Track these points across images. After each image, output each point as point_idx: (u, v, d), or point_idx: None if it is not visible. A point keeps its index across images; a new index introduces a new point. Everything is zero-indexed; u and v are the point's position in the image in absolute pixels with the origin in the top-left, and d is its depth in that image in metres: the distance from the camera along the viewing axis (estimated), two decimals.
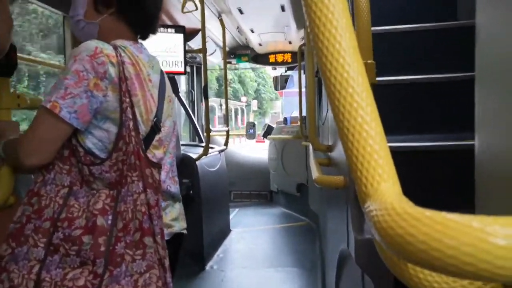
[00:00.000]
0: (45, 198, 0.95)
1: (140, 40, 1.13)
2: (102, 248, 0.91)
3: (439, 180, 1.13)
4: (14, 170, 1.16)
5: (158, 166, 1.02)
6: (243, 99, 26.53)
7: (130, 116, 0.96)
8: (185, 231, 1.18)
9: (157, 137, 1.06)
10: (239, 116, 25.65)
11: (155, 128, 1.05)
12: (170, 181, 1.12)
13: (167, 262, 0.99)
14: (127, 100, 0.96)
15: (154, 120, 1.04)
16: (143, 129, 1.01)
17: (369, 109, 0.36)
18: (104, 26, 1.05)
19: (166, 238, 1.04)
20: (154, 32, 1.15)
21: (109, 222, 0.93)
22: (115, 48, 0.98)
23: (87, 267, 0.91)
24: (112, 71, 0.94)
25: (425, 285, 0.34)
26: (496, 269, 0.23)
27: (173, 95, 1.19)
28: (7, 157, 1.05)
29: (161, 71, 1.14)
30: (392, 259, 0.36)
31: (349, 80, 0.36)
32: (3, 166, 1.16)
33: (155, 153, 1.06)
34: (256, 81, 28.80)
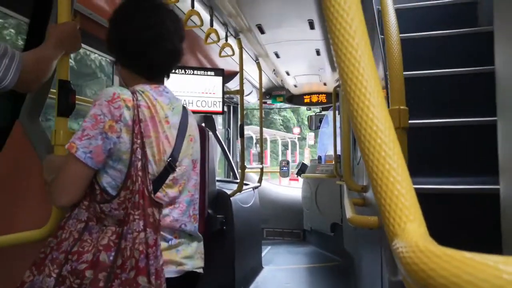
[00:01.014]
0: (66, 231, 1.02)
1: (165, 83, 1.21)
2: (101, 284, 0.94)
3: (464, 224, 1.12)
4: None
5: (160, 206, 1.04)
6: (296, 130, 21.85)
7: (139, 157, 1.01)
8: (200, 270, 1.19)
9: (171, 177, 1.09)
10: (289, 151, 20.44)
11: (169, 167, 1.08)
12: (187, 219, 1.14)
13: None
14: (138, 141, 1.02)
15: (169, 160, 1.08)
16: (155, 169, 1.06)
17: (395, 157, 0.40)
18: (123, 74, 1.20)
19: (175, 275, 1.07)
20: (161, 75, 1.19)
21: (111, 258, 0.96)
22: (133, 92, 1.07)
23: None
24: (127, 114, 1.02)
25: None
26: None
27: (197, 134, 1.23)
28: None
29: (184, 112, 1.19)
30: None
31: (378, 132, 0.40)
32: None
33: (167, 192, 1.09)
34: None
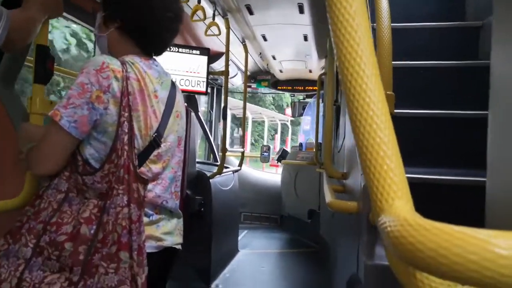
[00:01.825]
0: (45, 201, 0.99)
1: (155, 57, 1.18)
2: (81, 257, 0.93)
3: (448, 215, 1.14)
4: None
5: (145, 182, 1.03)
6: (288, 111, 15.94)
7: (126, 130, 0.99)
8: (179, 247, 1.18)
9: (155, 152, 1.07)
10: (277, 136, 17.11)
11: (154, 143, 1.07)
12: (169, 196, 1.13)
13: (141, 280, 0.96)
14: (126, 114, 0.99)
15: (154, 135, 1.06)
16: (140, 143, 1.04)
17: (387, 131, 0.39)
18: (112, 40, 1.12)
19: (155, 250, 1.06)
20: (159, 52, 1.17)
21: (92, 231, 0.95)
22: (123, 63, 1.03)
23: (65, 273, 0.93)
24: (116, 85, 0.98)
25: None
26: (499, 277, 0.26)
27: (184, 111, 1.22)
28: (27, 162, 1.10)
29: (173, 87, 1.17)
30: (403, 272, 0.39)
31: (370, 104, 0.39)
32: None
33: (151, 168, 1.07)
34: None
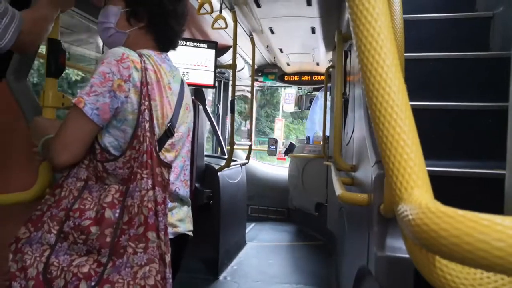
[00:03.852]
0: (65, 189, 1.03)
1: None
2: (108, 239, 0.97)
3: (464, 208, 1.13)
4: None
5: (168, 166, 1.07)
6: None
7: (147, 118, 1.02)
8: (191, 233, 1.22)
9: (169, 141, 1.12)
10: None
11: (168, 132, 1.11)
12: (180, 184, 1.17)
13: (168, 258, 1.01)
14: (146, 103, 1.03)
15: (168, 125, 1.10)
16: (157, 132, 1.07)
17: (407, 121, 0.39)
18: (132, 37, 1.14)
19: (170, 237, 1.08)
20: (175, 47, 1.23)
21: (116, 215, 0.99)
22: (140, 55, 1.06)
23: (92, 255, 0.97)
24: (136, 75, 1.02)
25: (451, 286, 0.36)
26: None
27: (191, 104, 1.27)
28: (44, 154, 1.11)
29: (182, 81, 1.21)
30: (422, 260, 0.39)
31: (390, 94, 0.39)
32: (44, 161, 1.23)
33: (166, 156, 1.11)
34: None
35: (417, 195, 0.37)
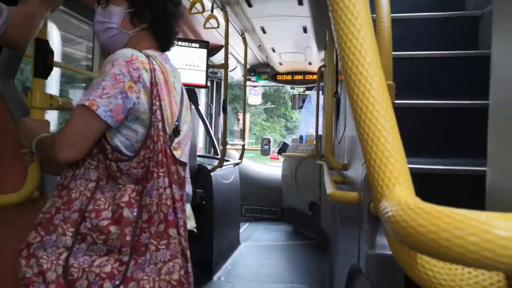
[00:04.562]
0: (75, 191, 1.02)
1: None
2: (128, 238, 0.98)
3: (447, 205, 1.14)
4: (41, 167, 1.23)
5: (183, 163, 1.09)
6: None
7: (159, 118, 1.04)
8: (195, 230, 1.25)
9: (176, 140, 1.14)
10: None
11: (176, 131, 1.13)
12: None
13: (188, 253, 1.04)
14: (157, 103, 1.04)
15: (176, 124, 1.13)
16: (168, 131, 1.09)
17: (388, 118, 0.39)
18: (134, 37, 1.15)
19: None
20: (171, 47, 1.25)
21: (135, 214, 1.00)
22: (148, 56, 1.07)
23: (113, 255, 0.98)
24: (146, 76, 1.03)
25: (433, 282, 0.37)
26: (499, 258, 0.26)
27: (189, 105, 1.30)
28: (39, 153, 1.11)
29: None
30: (404, 257, 0.39)
31: (371, 91, 0.39)
32: (33, 162, 1.22)
33: (174, 154, 1.12)
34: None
35: (398, 192, 0.37)
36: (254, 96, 6.11)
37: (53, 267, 0.96)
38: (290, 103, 5.53)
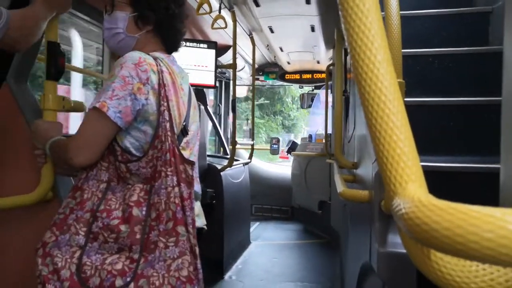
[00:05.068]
0: (87, 192, 1.05)
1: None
2: (138, 236, 1.01)
3: (465, 202, 1.13)
4: (55, 168, 1.24)
5: (191, 163, 1.11)
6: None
7: (167, 118, 1.06)
8: (205, 227, 1.27)
9: (184, 140, 1.16)
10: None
11: (184, 131, 1.15)
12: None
13: (197, 250, 1.06)
14: (165, 104, 1.06)
15: (184, 124, 1.15)
16: (176, 131, 1.11)
17: (399, 116, 0.39)
18: (141, 40, 1.17)
19: None
20: (178, 48, 1.26)
21: (144, 212, 1.03)
22: (155, 58, 1.10)
23: (124, 253, 1.01)
24: (154, 78, 1.05)
25: (447, 278, 0.36)
26: None
27: (197, 105, 1.32)
28: (52, 156, 1.14)
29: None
30: (417, 254, 0.39)
31: (382, 89, 0.39)
32: (46, 164, 1.24)
33: (183, 154, 1.14)
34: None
35: (410, 190, 0.37)
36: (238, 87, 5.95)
37: (67, 265, 0.99)
38: (286, 99, 5.53)
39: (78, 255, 1.00)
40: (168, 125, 1.06)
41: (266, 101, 15.41)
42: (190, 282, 1.02)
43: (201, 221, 1.23)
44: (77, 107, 1.37)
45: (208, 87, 3.35)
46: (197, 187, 1.23)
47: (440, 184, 1.12)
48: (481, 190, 1.06)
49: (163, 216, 1.02)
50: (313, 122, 5.47)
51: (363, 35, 0.40)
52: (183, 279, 1.01)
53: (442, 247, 0.29)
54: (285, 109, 16.03)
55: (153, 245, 1.01)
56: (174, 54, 1.26)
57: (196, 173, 1.25)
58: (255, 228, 4.65)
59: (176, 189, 1.04)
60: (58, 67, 1.29)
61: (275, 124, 15.94)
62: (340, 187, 1.40)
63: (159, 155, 1.04)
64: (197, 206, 1.22)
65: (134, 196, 1.04)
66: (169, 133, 1.06)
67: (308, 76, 5.06)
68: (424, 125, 1.41)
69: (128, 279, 0.98)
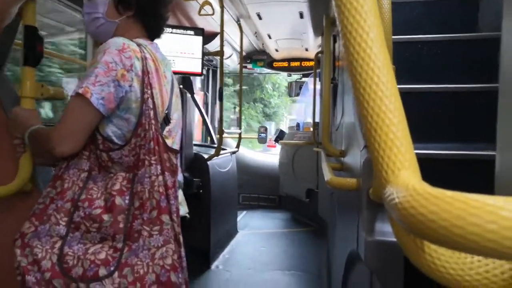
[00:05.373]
0: (68, 181, 1.03)
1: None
2: (121, 225, 0.99)
3: (455, 189, 1.13)
4: (34, 158, 1.20)
5: (176, 151, 1.10)
6: None
7: (151, 106, 1.04)
8: (188, 215, 1.27)
9: (167, 128, 1.14)
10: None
11: (166, 120, 1.13)
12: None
13: (181, 238, 1.06)
14: (149, 91, 1.04)
15: (166, 112, 1.13)
16: (159, 119, 1.09)
17: (393, 98, 0.37)
18: (122, 26, 1.13)
19: None
20: (160, 35, 1.23)
21: (127, 201, 1.01)
22: (139, 45, 1.06)
23: (107, 242, 0.99)
24: (137, 64, 1.02)
25: (441, 271, 0.35)
26: None
27: (178, 91, 1.30)
28: (32, 145, 1.10)
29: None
30: (410, 245, 0.37)
31: (374, 70, 0.37)
32: (24, 154, 1.19)
33: (166, 142, 1.13)
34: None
35: (404, 177, 0.35)
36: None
37: (47, 255, 0.97)
38: (266, 85, 5.51)
39: (59, 245, 0.98)
40: (152, 113, 1.04)
41: (244, 87, 14.93)
42: (174, 270, 1.03)
43: (183, 210, 1.22)
44: (57, 94, 1.32)
45: (195, 74, 3.29)
46: (180, 176, 1.22)
47: (432, 172, 1.12)
48: (474, 178, 1.06)
49: (147, 205, 1.01)
50: (295, 110, 5.45)
51: (356, 12, 0.37)
52: (167, 267, 1.01)
53: (439, 239, 0.27)
54: (265, 96, 15.57)
55: (136, 234, 1.00)
56: (156, 41, 1.22)
57: (179, 161, 1.23)
58: (242, 217, 4.65)
59: (160, 177, 1.03)
60: (36, 52, 1.23)
61: (255, 112, 15.53)
62: (327, 175, 1.39)
63: (143, 143, 1.03)
64: (181, 194, 1.21)
65: (117, 185, 1.02)
66: (153, 121, 1.04)
67: (297, 64, 5.03)
68: (413, 112, 1.40)
69: (112, 268, 0.97)
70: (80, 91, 0.96)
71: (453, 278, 0.35)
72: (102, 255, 0.97)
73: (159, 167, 1.03)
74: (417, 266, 0.37)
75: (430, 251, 0.35)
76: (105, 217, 0.99)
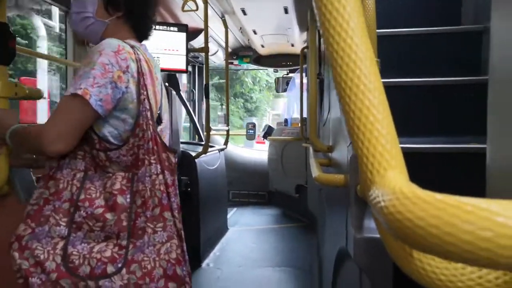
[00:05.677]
0: (63, 181, 1.02)
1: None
2: (124, 223, 1.02)
3: (444, 183, 1.11)
4: (9, 159, 1.15)
5: (173, 151, 1.13)
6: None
7: (147, 107, 1.06)
8: None
9: (159, 128, 1.15)
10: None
11: (158, 120, 1.16)
12: None
13: (183, 234, 1.13)
14: (145, 93, 1.06)
15: (158, 112, 1.16)
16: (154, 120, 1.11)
17: (376, 93, 0.34)
18: (111, 27, 1.13)
19: None
20: (148, 36, 1.23)
21: (128, 200, 1.03)
22: (132, 46, 1.08)
23: (112, 240, 1.02)
24: (133, 66, 1.04)
25: (431, 277, 0.32)
26: None
27: (165, 92, 1.30)
28: (15, 145, 1.07)
29: None
30: (398, 250, 0.35)
31: (356, 62, 0.34)
32: (0, 156, 1.15)
33: (164, 142, 1.16)
34: None
35: (391, 178, 0.32)
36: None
37: (50, 256, 0.98)
38: (246, 79, 5.49)
39: (62, 245, 0.99)
40: (149, 114, 1.06)
41: (221, 81, 13.67)
42: (179, 264, 1.09)
43: None
44: (33, 94, 1.27)
45: (180, 71, 3.23)
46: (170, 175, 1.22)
47: (418, 167, 1.10)
48: (457, 171, 1.04)
49: (149, 203, 1.04)
50: (278, 105, 5.44)
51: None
52: (172, 261, 1.07)
53: (428, 247, 0.25)
54: (245, 90, 15.14)
55: (140, 231, 1.03)
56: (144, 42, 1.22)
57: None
58: (232, 214, 4.62)
59: (161, 176, 1.07)
60: (8, 49, 1.18)
61: (236, 107, 15.09)
62: (315, 171, 1.37)
63: (141, 143, 1.04)
64: None
65: (117, 185, 1.03)
66: (150, 121, 1.06)
67: (283, 59, 4.99)
68: (397, 106, 1.38)
69: (120, 265, 1.00)
70: (79, 92, 0.95)
71: (443, 284, 0.32)
72: (107, 253, 1.00)
73: (158, 166, 1.07)
74: (404, 272, 0.35)
75: (419, 256, 0.33)
76: (108, 216, 1.00)
